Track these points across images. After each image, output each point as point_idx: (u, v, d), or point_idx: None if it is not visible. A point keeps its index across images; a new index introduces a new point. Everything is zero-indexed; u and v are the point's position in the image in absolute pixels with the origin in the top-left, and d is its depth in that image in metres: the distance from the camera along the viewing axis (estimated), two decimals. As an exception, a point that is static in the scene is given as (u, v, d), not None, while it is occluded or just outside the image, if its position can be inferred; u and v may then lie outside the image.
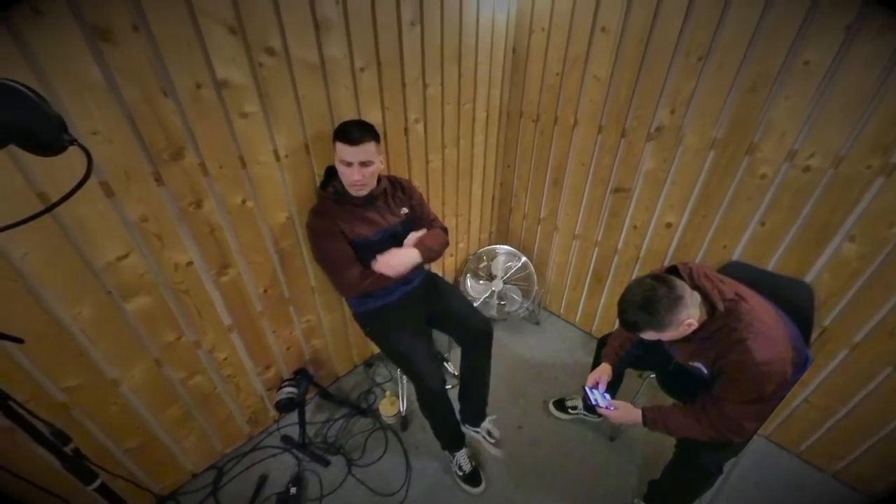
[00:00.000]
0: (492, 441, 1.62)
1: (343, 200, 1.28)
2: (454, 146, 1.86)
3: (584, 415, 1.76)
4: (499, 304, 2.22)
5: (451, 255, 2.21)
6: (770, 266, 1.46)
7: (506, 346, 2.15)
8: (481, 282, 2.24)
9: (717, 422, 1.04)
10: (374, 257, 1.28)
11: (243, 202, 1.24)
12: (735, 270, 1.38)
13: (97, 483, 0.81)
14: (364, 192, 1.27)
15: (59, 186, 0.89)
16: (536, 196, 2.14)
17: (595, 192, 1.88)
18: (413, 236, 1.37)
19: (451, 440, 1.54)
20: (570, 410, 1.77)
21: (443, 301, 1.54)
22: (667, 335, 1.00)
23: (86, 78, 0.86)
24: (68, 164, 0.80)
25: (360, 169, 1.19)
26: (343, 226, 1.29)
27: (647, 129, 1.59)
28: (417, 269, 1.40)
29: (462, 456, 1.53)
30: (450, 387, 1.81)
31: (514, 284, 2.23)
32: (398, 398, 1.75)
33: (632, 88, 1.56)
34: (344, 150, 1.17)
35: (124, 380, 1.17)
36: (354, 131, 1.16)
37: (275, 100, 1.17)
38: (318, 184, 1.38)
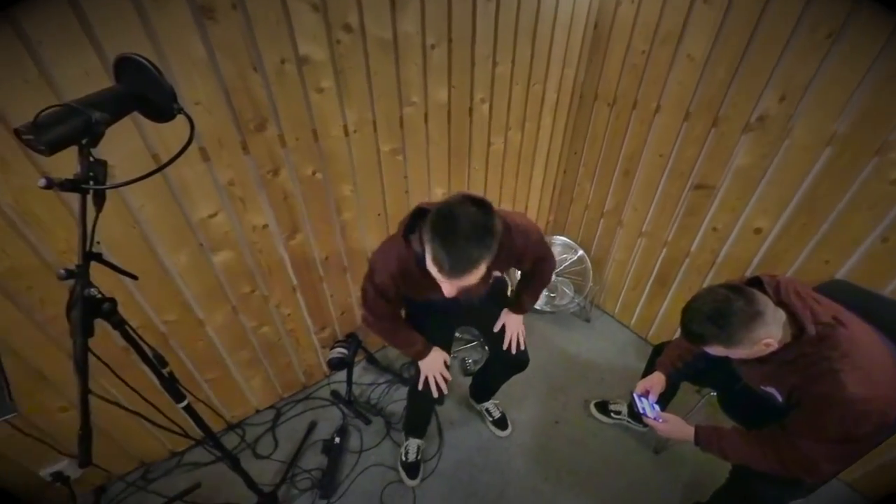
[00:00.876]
0: (490, 419, 1.67)
1: (424, 270, 0.91)
2: (519, 129, 1.79)
3: (629, 422, 1.67)
4: (548, 295, 2.16)
5: (504, 241, 2.17)
6: (887, 291, 1.23)
7: (551, 340, 2.09)
8: (532, 271, 2.19)
9: (788, 457, 0.92)
10: (426, 315, 1.25)
11: (313, 173, 1.33)
12: (837, 290, 1.18)
13: (185, 402, 0.96)
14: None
15: (168, 149, 1.03)
16: (603, 187, 2.00)
17: (671, 186, 1.70)
18: (513, 329, 1.30)
19: (413, 429, 1.55)
20: (612, 415, 1.70)
21: (493, 319, 1.36)
22: (737, 353, 0.90)
23: (193, 53, 0.97)
24: (176, 129, 0.92)
25: (456, 287, 0.88)
26: (410, 292, 1.09)
27: (745, 119, 1.39)
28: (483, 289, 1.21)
29: (413, 444, 1.53)
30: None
31: (567, 277, 2.14)
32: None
33: (732, 70, 1.36)
34: (444, 277, 0.85)
35: (208, 321, 1.36)
36: (455, 256, 0.80)
37: (348, 76, 1.22)
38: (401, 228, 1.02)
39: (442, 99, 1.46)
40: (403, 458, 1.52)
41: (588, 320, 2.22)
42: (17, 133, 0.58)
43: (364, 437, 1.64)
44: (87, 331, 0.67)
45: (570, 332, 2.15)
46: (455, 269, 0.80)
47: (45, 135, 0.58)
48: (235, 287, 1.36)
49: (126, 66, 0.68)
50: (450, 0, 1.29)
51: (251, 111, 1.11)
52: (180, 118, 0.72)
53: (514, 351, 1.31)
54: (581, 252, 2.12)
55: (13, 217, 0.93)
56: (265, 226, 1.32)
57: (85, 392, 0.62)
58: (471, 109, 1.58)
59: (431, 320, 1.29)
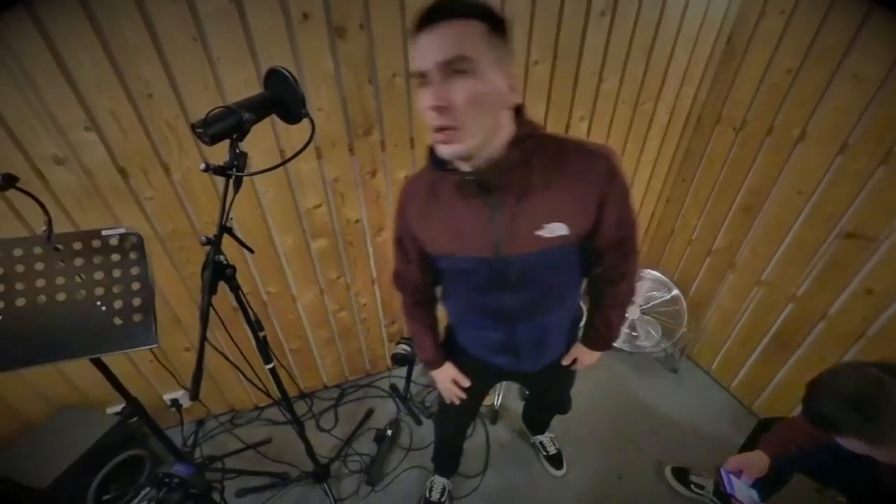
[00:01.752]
0: (544, 453, 1.54)
1: (441, 175, 0.69)
2: (619, 150, 1.67)
3: (713, 500, 1.40)
4: (630, 333, 1.95)
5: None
6: None
7: (626, 384, 1.88)
8: (614, 304, 1.99)
9: None
10: (466, 292, 0.81)
11: (405, 178, 1.42)
12: None
13: (271, 365, 1.11)
14: (461, 152, 0.61)
15: (292, 146, 1.20)
16: (714, 221, 1.74)
17: (810, 231, 1.40)
18: (584, 360, 0.95)
19: (440, 463, 1.42)
20: (693, 487, 1.44)
21: (545, 388, 1.19)
22: (885, 454, 0.69)
23: (323, 66, 1.12)
24: (300, 130, 1.07)
25: (442, 85, 0.56)
26: (419, 224, 0.76)
27: (936, 156, 1.08)
28: (532, 340, 0.87)
29: (439, 483, 1.41)
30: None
31: (655, 318, 1.90)
32: (495, 392, 1.77)
33: (922, 95, 1.07)
34: (418, 49, 0.56)
35: (299, 298, 1.54)
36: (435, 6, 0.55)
37: (450, 89, 1.28)
38: None
39: (538, 114, 1.44)
40: (427, 496, 1.40)
41: (675, 371, 1.93)
42: (192, 127, 0.74)
43: (414, 436, 1.68)
44: (213, 289, 0.81)
45: (651, 380, 1.90)
46: (438, 5, 0.54)
47: (210, 129, 0.73)
48: (325, 272, 1.52)
49: (273, 77, 0.83)
50: (560, 17, 1.27)
51: (361, 118, 1.24)
52: (305, 121, 0.85)
53: (582, 368, 1.00)
54: (676, 292, 1.87)
55: (180, 191, 1.19)
56: (357, 220, 1.45)
57: (203, 339, 0.76)
58: (567, 126, 1.52)
59: (470, 361, 0.98)
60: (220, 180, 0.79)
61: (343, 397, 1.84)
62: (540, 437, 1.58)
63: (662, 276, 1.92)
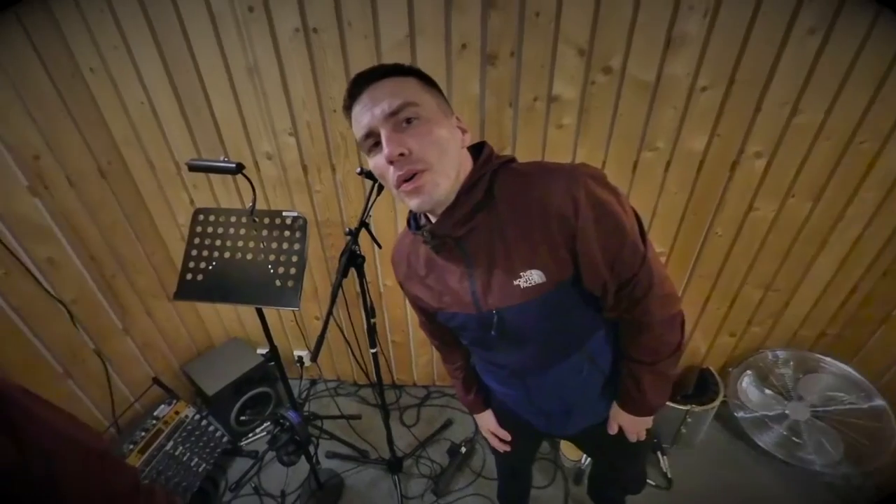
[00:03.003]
0: None
1: (417, 236, 0.66)
2: (810, 198, 1.30)
3: None
4: (787, 435, 1.47)
5: (732, 335, 1.64)
6: None
7: (773, 496, 1.42)
8: (769, 391, 1.54)
9: None
10: (471, 347, 0.77)
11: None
12: None
13: (374, 350, 1.23)
14: (437, 196, 0.55)
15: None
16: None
17: None
18: (632, 433, 0.78)
19: None
20: None
21: (602, 457, 1.00)
22: None
23: (470, 91, 1.21)
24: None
25: (393, 135, 0.52)
26: (407, 283, 0.75)
27: None
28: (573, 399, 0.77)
29: None
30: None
31: (835, 427, 1.40)
32: (585, 448, 1.57)
33: None
34: (358, 112, 0.54)
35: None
36: (368, 72, 0.55)
37: (592, 115, 1.22)
38: None
39: (696, 147, 1.24)
40: None
41: (859, 510, 1.37)
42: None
43: (486, 463, 1.62)
44: (345, 273, 0.95)
45: (814, 510, 1.39)
46: (363, 74, 0.54)
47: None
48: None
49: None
50: (747, 36, 1.08)
51: (496, 138, 1.29)
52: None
53: (631, 439, 0.80)
54: (880, 402, 1.33)
55: (339, 189, 1.44)
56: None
57: (329, 312, 0.89)
58: (735, 163, 1.27)
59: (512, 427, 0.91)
60: (369, 183, 0.93)
61: (428, 398, 1.91)
62: None
63: (857, 375, 1.39)
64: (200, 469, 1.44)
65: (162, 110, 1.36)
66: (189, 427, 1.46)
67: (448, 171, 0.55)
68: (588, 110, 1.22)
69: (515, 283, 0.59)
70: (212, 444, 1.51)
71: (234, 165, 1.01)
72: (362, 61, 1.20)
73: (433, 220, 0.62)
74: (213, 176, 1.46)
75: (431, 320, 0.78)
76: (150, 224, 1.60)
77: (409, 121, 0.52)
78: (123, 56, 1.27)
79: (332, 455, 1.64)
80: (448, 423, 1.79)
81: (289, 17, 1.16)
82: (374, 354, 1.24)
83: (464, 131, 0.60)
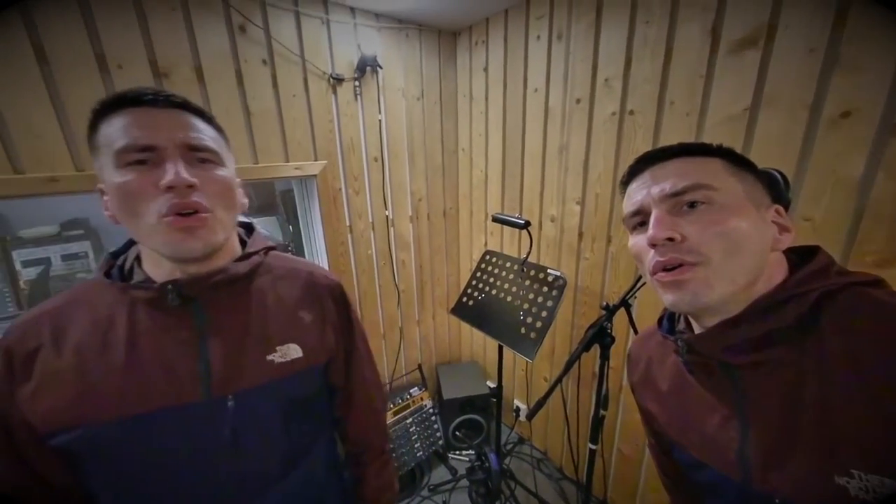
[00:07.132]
0: None
1: (668, 341, 0.51)
2: None
3: None
4: None
5: None
6: None
7: None
8: None
9: None
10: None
11: None
12: None
13: (594, 447, 1.06)
14: (683, 304, 0.42)
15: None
16: None
17: None
18: None
19: None
20: None
21: None
22: None
23: (843, 170, 0.86)
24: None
25: (666, 217, 0.42)
26: (644, 395, 0.59)
27: None
28: None
29: None
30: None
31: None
32: None
33: None
34: (633, 189, 0.47)
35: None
36: (659, 150, 0.47)
37: None
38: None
39: None
40: None
41: None
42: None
43: None
44: (587, 347, 0.90)
45: None
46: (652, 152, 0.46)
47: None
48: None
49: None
50: None
51: (884, 242, 0.83)
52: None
53: None
54: None
55: (608, 261, 1.39)
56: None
57: (558, 380, 0.86)
58: None
59: None
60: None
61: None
62: None
63: None
64: (418, 454, 1.74)
65: (491, 176, 1.84)
66: (424, 415, 1.80)
67: (734, 275, 0.41)
68: None
69: (838, 477, 0.36)
70: (431, 440, 1.79)
71: (522, 222, 1.21)
72: (675, 138, 1.12)
73: (695, 328, 0.48)
74: (505, 227, 1.80)
75: (664, 450, 0.60)
76: (457, 253, 2.15)
77: (692, 204, 0.43)
78: (483, 142, 1.83)
79: (512, 527, 1.53)
80: None
81: (609, 104, 1.28)
82: (592, 452, 1.07)
83: (783, 229, 0.45)
